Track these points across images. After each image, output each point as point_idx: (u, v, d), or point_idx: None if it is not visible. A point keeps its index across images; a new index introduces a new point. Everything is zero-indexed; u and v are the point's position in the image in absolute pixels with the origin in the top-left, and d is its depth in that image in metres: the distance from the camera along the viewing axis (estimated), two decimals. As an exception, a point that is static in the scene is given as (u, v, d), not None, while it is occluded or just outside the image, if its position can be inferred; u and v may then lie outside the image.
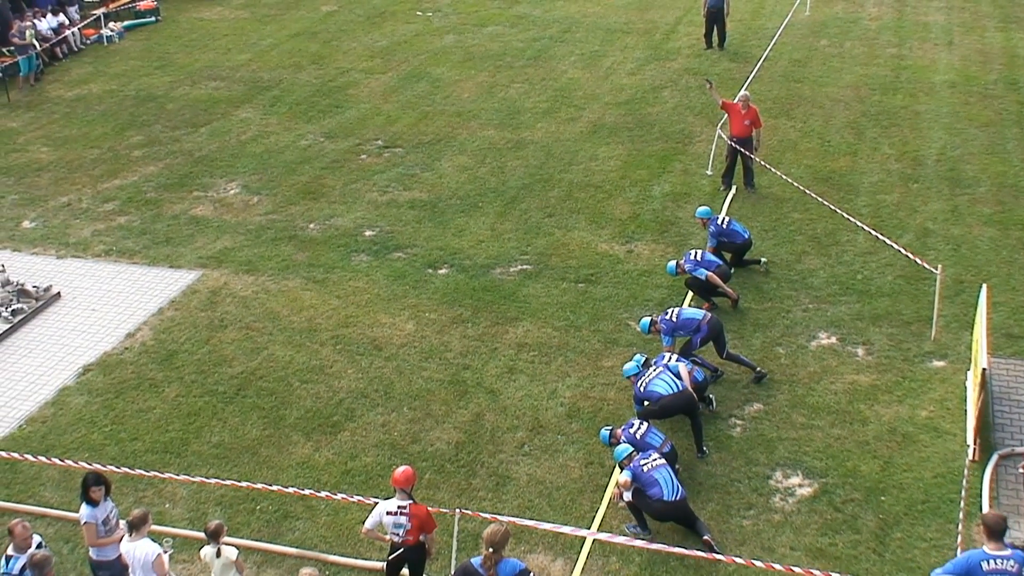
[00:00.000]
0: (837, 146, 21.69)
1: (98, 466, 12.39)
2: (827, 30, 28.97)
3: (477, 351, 15.49)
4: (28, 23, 28.62)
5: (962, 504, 12.04)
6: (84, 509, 10.72)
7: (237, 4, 34.04)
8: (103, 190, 21.02)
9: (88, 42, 30.72)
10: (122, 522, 10.91)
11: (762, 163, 19.64)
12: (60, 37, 29.54)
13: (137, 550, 10.27)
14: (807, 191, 18.58)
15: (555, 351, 15.36)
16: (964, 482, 12.35)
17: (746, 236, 17.02)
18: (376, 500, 11.20)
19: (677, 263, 16.26)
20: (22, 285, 17.30)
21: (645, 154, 21.61)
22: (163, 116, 24.79)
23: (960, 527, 11.77)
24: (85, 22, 31.09)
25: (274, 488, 12.28)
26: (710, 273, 15.89)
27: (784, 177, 19.23)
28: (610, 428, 13.11)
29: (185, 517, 12.48)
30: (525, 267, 17.64)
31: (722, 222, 17.03)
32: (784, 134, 22.17)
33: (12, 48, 28.09)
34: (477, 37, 29.53)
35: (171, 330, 16.25)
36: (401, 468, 10.91)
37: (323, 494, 12.21)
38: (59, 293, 17.38)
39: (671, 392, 13.09)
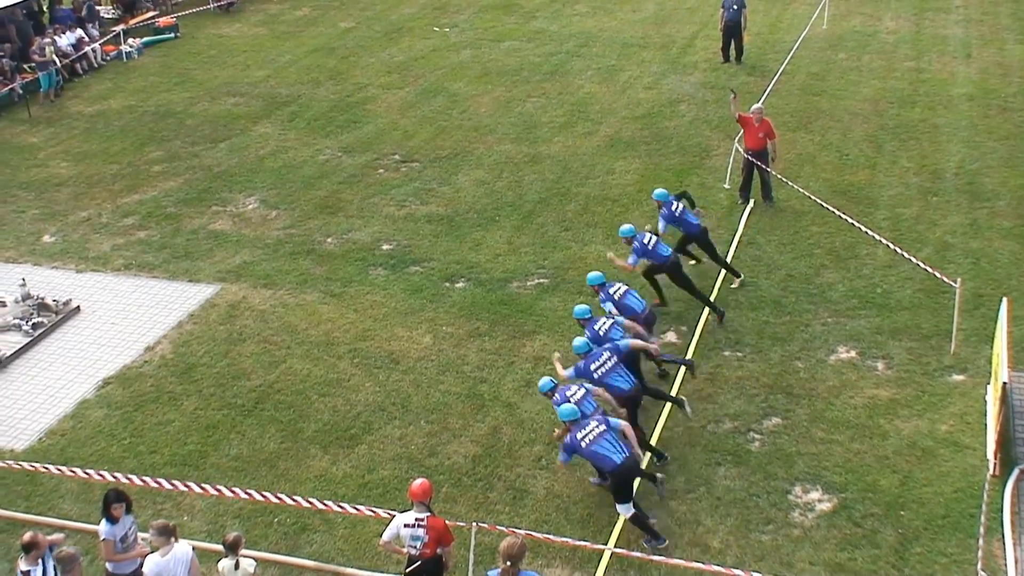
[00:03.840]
0: (855, 159, 21.65)
1: (119, 477, 12.45)
2: (845, 43, 28.94)
3: (494, 365, 15.49)
4: (48, 40, 28.87)
5: (982, 519, 11.95)
6: (104, 525, 10.74)
7: (255, 21, 34.24)
8: (123, 205, 21.14)
9: (108, 58, 30.93)
10: (143, 536, 10.96)
11: (780, 177, 19.61)
12: (80, 53, 29.75)
13: (173, 562, 10.30)
14: (825, 204, 18.53)
15: (572, 364, 15.32)
16: (984, 497, 12.28)
17: (697, 225, 16.90)
18: (393, 513, 11.20)
19: (632, 237, 15.98)
20: (42, 299, 17.40)
21: (662, 168, 21.61)
22: (182, 131, 24.93)
23: (980, 542, 11.68)
24: (105, 38, 31.31)
25: (292, 501, 12.29)
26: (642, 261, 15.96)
27: (802, 191, 19.19)
28: (554, 383, 12.99)
29: (203, 530, 12.50)
30: (542, 281, 17.64)
31: (676, 209, 16.79)
32: (802, 147, 22.13)
33: (33, 64, 28.33)
34: (494, 52, 29.61)
35: (190, 343, 16.31)
36: (418, 481, 10.92)
37: (340, 507, 12.21)
38: (79, 307, 17.47)
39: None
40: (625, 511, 11.98)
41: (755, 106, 20.02)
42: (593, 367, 13.19)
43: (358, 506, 12.11)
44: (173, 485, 12.41)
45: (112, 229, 20.17)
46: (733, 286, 17.20)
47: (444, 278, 17.89)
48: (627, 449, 11.96)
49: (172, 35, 32.74)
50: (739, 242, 18.45)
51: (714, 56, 28.00)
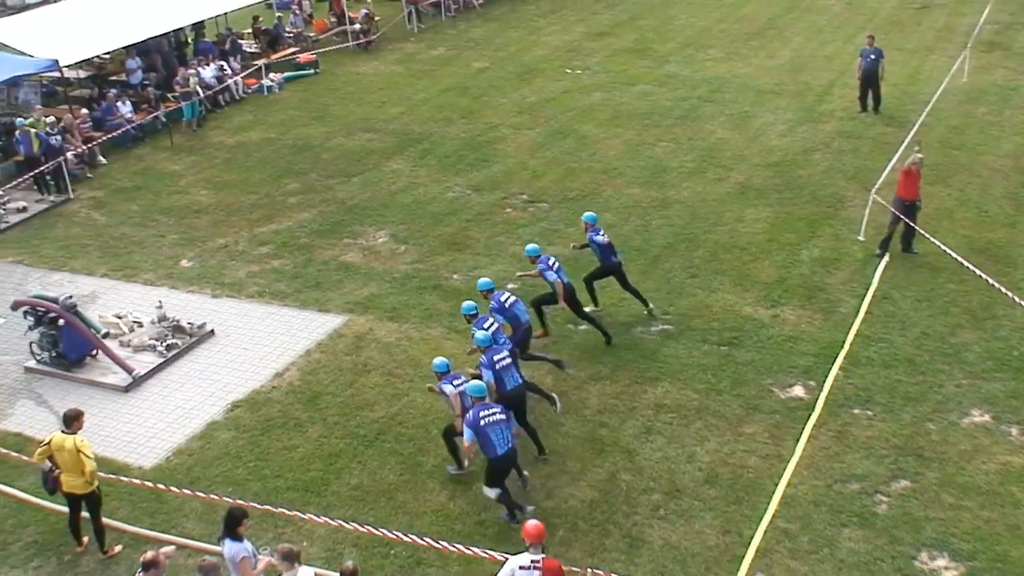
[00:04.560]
0: (995, 216, 20.99)
1: (241, 501, 12.72)
2: (986, 97, 28.17)
3: (615, 409, 15.39)
4: (192, 71, 29.95)
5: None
6: (233, 545, 10.91)
7: (392, 59, 34.97)
8: (258, 234, 21.73)
9: (249, 91, 31.93)
10: (263, 556, 11.16)
11: (919, 230, 19.10)
12: (222, 85, 30.81)
13: None
14: (963, 261, 17.99)
15: (694, 414, 15.17)
16: None
17: (614, 260, 17.50)
18: (507, 556, 11.18)
19: (538, 256, 16.82)
20: (178, 321, 17.96)
21: (794, 217, 21.29)
22: (318, 165, 25.56)
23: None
24: (247, 72, 32.34)
25: (408, 538, 12.37)
26: (558, 281, 16.55)
27: (941, 246, 18.66)
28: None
29: (322, 556, 12.67)
30: (666, 327, 17.50)
31: (600, 234, 17.41)
32: (940, 202, 21.55)
33: (176, 94, 29.42)
34: (625, 95, 29.65)
35: (317, 372, 16.63)
36: (533, 522, 10.89)
37: (456, 547, 12.24)
38: (212, 331, 17.99)
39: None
40: (492, 493, 13.05)
41: (916, 155, 19.46)
42: (496, 357, 14.11)
43: (473, 547, 12.13)
44: (296, 511, 12.63)
45: (247, 257, 20.74)
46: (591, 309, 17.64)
47: (567, 320, 17.88)
48: (511, 442, 13.08)
49: (312, 71, 33.63)
50: (873, 296, 18.02)
51: (851, 105, 27.54)
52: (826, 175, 23.33)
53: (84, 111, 28.04)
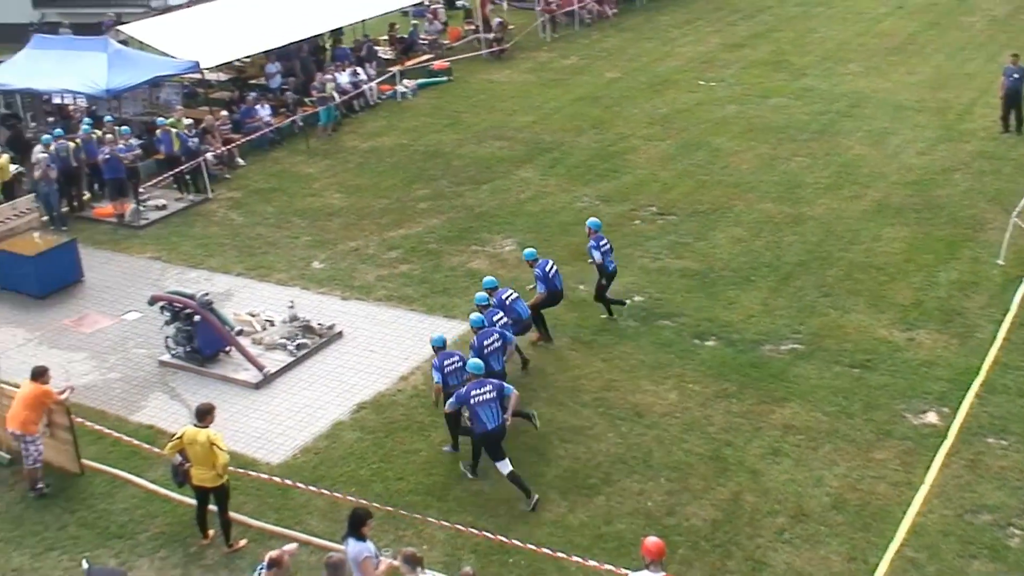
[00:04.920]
0: None
1: (364, 501, 12.88)
2: None
3: (740, 428, 15.13)
4: (329, 76, 30.56)
5: None
6: (356, 545, 10.96)
7: (525, 68, 35.11)
8: (388, 238, 22.03)
9: (383, 97, 32.43)
10: (385, 558, 11.26)
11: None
12: (358, 91, 31.34)
13: None
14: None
15: (823, 437, 14.80)
16: None
17: (612, 266, 17.99)
18: (626, 570, 11.08)
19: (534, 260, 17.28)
20: (308, 322, 18.30)
21: (932, 238, 20.64)
22: (449, 171, 25.80)
23: None
24: (381, 78, 32.84)
25: (528, 547, 12.35)
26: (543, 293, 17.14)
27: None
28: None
29: (441, 561, 12.72)
30: (796, 346, 17.13)
31: (603, 241, 17.84)
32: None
33: (313, 99, 30.05)
34: (760, 108, 29.20)
35: (441, 377, 16.74)
36: (653, 539, 10.76)
37: (576, 560, 12.16)
38: (341, 332, 18.28)
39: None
40: (503, 468, 13.69)
41: None
42: (485, 343, 15.10)
43: (591, 560, 12.04)
44: (417, 514, 12.72)
45: (377, 261, 21.03)
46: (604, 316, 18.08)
47: (694, 335, 17.67)
48: (500, 417, 13.75)
49: (445, 78, 33.97)
50: (1012, 323, 17.34)
51: (993, 125, 26.61)
52: (966, 196, 22.57)
53: (224, 113, 28.88)
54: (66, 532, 13.87)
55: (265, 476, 14.45)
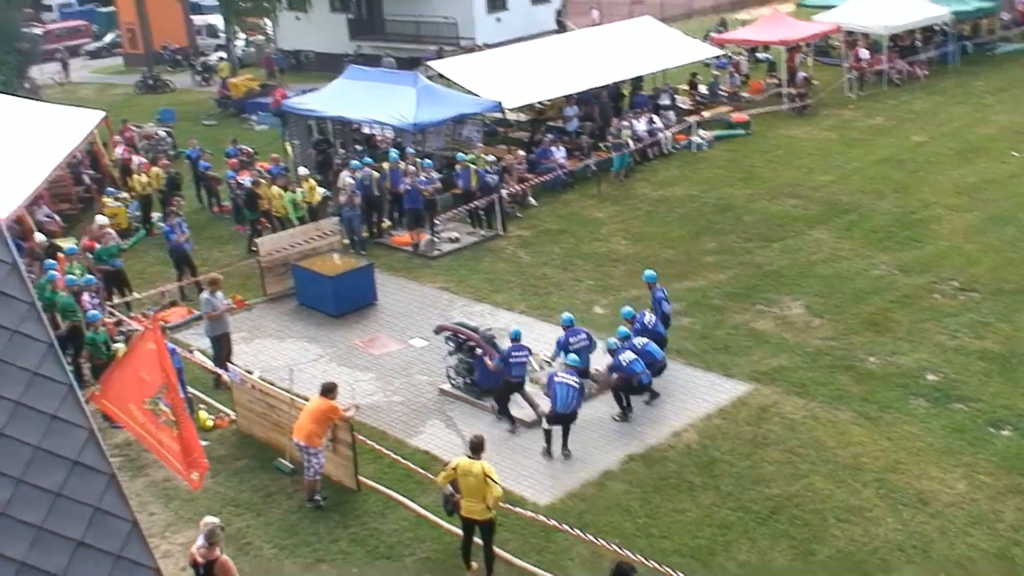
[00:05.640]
0: None
1: (630, 553, 12.69)
2: None
3: (1035, 529, 13.96)
4: (626, 123, 30.78)
5: None
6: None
7: (827, 125, 34.15)
8: (672, 290, 21.73)
9: (678, 147, 32.32)
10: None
11: None
12: (653, 140, 31.40)
13: None
14: None
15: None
16: None
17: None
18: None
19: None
20: (597, 370, 18.26)
21: None
22: (739, 226, 25.37)
23: None
24: (678, 128, 32.78)
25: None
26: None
27: None
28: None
29: (700, 629, 12.38)
30: (1108, 447, 15.68)
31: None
32: None
33: (608, 144, 30.33)
34: (1082, 185, 27.13)
35: (716, 437, 16.37)
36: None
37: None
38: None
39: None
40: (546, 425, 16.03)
41: None
42: (572, 340, 17.27)
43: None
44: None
45: (658, 311, 20.88)
46: None
47: (990, 422, 16.49)
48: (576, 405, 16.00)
49: (743, 131, 33.52)
50: None
51: None
52: None
53: (522, 153, 29.58)
54: (337, 546, 14.42)
55: (531, 514, 14.51)
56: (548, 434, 16.21)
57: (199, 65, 50.42)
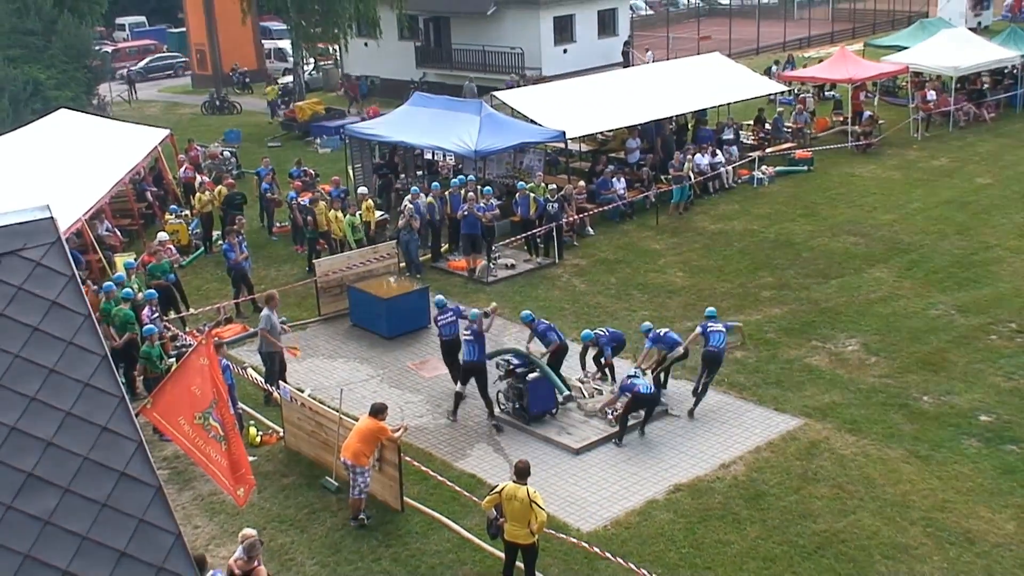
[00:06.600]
0: None
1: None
2: None
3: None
4: (689, 156, 30.76)
5: None
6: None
7: (890, 164, 33.86)
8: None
9: (739, 181, 32.24)
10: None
11: None
12: (714, 173, 31.35)
13: None
14: None
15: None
16: None
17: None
18: None
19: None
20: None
21: None
22: (797, 262, 25.22)
23: None
24: (740, 162, 32.71)
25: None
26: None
27: None
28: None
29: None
30: None
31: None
32: None
33: (670, 176, 30.33)
34: None
35: (764, 470, 16.26)
36: None
37: None
38: (668, 409, 18.20)
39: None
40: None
41: None
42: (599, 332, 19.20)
43: None
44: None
45: (712, 343, 20.78)
46: None
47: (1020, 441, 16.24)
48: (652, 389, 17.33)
49: (805, 167, 33.33)
50: None
51: None
52: None
53: (582, 183, 29.69)
54: (379, 565, 14.50)
55: (574, 540, 14.50)
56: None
57: (280, 88, 50.00)
